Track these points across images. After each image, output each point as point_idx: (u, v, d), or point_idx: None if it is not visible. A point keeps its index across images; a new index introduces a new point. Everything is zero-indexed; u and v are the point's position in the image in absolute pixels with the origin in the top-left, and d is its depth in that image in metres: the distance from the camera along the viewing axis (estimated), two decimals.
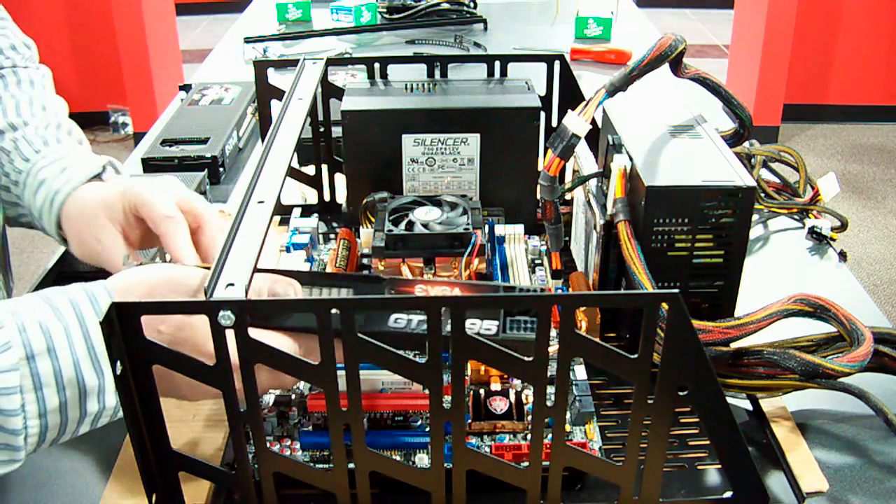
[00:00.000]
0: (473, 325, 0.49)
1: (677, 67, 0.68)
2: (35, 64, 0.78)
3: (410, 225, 0.66)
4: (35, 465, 0.56)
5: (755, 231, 0.86)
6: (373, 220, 0.71)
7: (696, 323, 0.57)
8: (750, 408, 0.61)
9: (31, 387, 0.46)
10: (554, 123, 0.82)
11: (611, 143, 0.66)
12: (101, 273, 0.57)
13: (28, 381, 0.45)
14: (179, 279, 0.51)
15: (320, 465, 0.53)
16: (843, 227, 0.86)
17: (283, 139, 0.59)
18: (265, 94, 0.79)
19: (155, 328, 0.47)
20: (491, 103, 0.73)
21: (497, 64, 0.80)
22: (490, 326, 0.50)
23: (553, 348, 0.43)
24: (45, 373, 0.46)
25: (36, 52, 0.78)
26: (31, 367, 0.46)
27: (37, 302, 0.48)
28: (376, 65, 0.79)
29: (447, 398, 0.44)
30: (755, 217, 0.88)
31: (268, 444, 0.47)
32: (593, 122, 0.69)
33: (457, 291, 0.52)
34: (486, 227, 0.69)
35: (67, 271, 0.77)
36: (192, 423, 0.58)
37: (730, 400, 0.60)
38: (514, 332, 0.49)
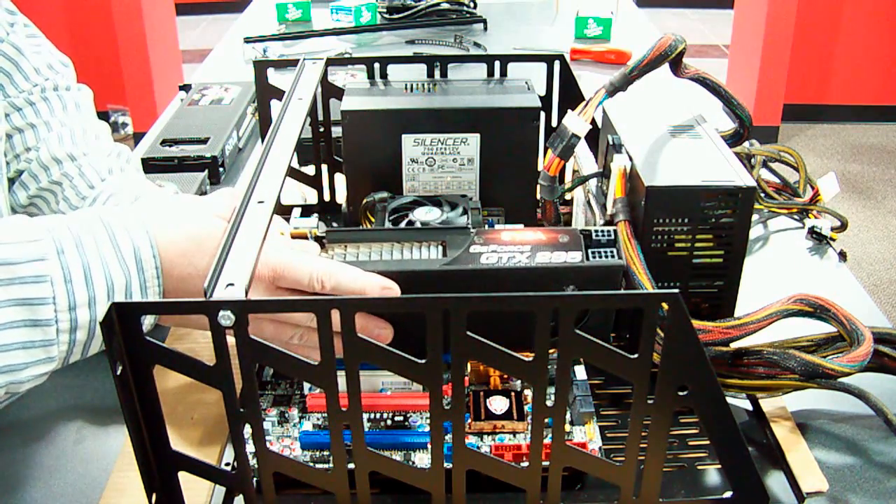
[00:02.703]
0: (559, 255, 0.54)
1: (677, 67, 0.68)
2: (75, 84, 0.78)
3: (410, 225, 0.66)
4: (35, 464, 0.56)
5: (755, 231, 0.86)
6: (373, 219, 0.71)
7: (696, 323, 0.57)
8: (750, 408, 0.61)
9: (60, 279, 0.48)
10: (554, 123, 0.82)
11: (611, 143, 0.66)
12: None
13: (58, 273, 0.48)
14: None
15: (320, 465, 0.53)
16: (843, 227, 0.86)
17: (283, 139, 0.59)
18: (265, 94, 0.79)
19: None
20: (491, 103, 0.73)
21: (497, 64, 0.80)
22: (575, 256, 0.54)
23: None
24: (74, 266, 0.49)
25: (73, 70, 0.78)
26: (61, 261, 0.48)
27: (65, 216, 0.52)
28: (376, 65, 0.78)
29: (447, 398, 0.44)
30: (755, 217, 0.88)
31: (268, 444, 0.47)
32: (593, 122, 0.69)
33: (539, 235, 0.56)
34: (486, 227, 0.69)
35: None
36: (192, 423, 0.58)
37: (730, 400, 0.60)
38: (598, 259, 0.54)
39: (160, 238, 0.53)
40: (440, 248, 0.55)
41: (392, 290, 0.53)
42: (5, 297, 0.47)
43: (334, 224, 0.83)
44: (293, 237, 0.58)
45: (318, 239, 0.56)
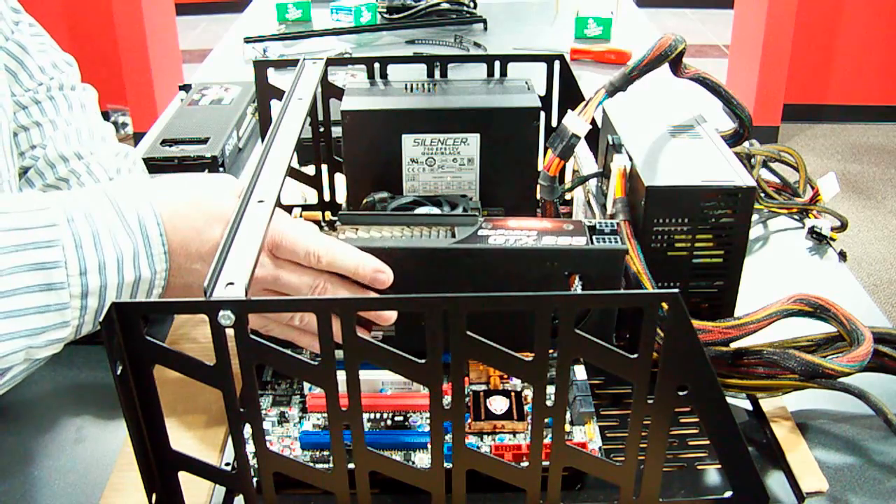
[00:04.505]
0: (564, 240, 0.55)
1: (677, 67, 0.68)
2: (80, 84, 0.78)
3: None
4: (35, 464, 0.56)
5: (755, 231, 0.86)
6: None
7: (696, 323, 0.57)
8: (750, 408, 0.61)
9: (71, 244, 0.50)
10: (554, 123, 0.82)
11: (611, 143, 0.66)
12: None
13: (69, 239, 0.49)
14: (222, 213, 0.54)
15: (320, 465, 0.53)
16: (843, 227, 0.86)
17: (283, 139, 0.59)
18: (265, 94, 0.79)
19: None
20: (491, 103, 0.73)
21: (497, 64, 0.80)
22: (580, 241, 0.55)
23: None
24: (84, 233, 0.50)
25: (77, 69, 0.79)
26: (71, 228, 0.50)
27: (72, 192, 0.53)
28: (376, 65, 0.78)
29: (447, 398, 0.44)
30: (755, 217, 0.87)
31: (268, 444, 0.47)
32: (593, 122, 0.69)
33: (545, 223, 0.57)
34: None
35: None
36: (192, 423, 0.58)
37: (730, 400, 0.60)
38: (602, 244, 0.55)
39: (163, 207, 0.53)
40: (449, 232, 0.56)
41: (385, 272, 0.54)
42: (22, 262, 0.48)
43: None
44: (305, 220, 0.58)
45: (329, 223, 0.57)
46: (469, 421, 0.54)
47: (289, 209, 0.78)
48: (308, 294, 0.54)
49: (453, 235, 0.56)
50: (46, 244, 0.49)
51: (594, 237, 0.56)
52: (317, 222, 0.58)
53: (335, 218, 0.57)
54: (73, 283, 0.49)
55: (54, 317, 0.49)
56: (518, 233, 0.56)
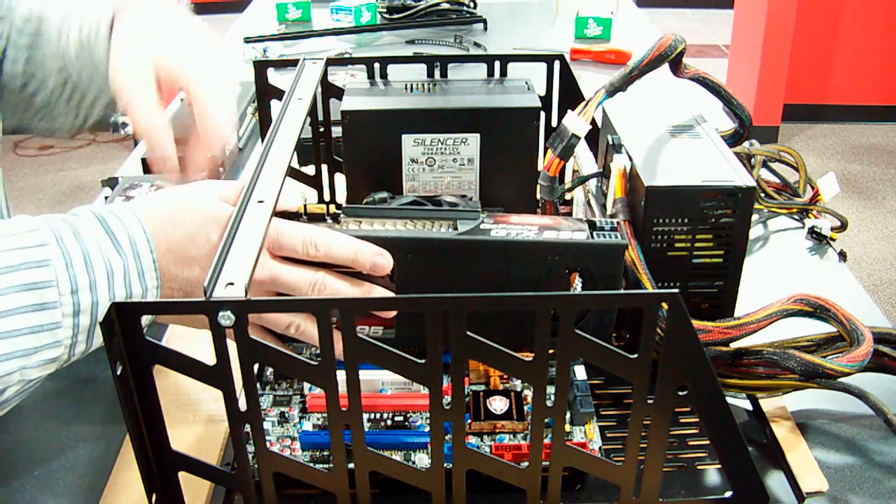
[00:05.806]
0: (565, 234, 0.55)
1: (677, 67, 0.68)
2: None
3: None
4: (35, 463, 0.56)
5: (755, 231, 0.86)
6: None
7: (695, 323, 0.57)
8: (750, 408, 0.61)
9: (62, 264, 0.49)
10: (554, 123, 0.81)
11: (610, 143, 0.66)
12: None
13: (59, 258, 0.50)
14: (208, 212, 0.54)
15: (320, 465, 0.52)
16: (843, 227, 0.86)
17: (283, 139, 0.59)
18: (265, 94, 0.79)
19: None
20: (491, 103, 0.73)
21: (497, 64, 0.80)
22: (580, 235, 0.55)
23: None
24: (74, 252, 0.50)
25: None
26: (61, 247, 0.50)
27: (60, 215, 0.54)
28: (376, 65, 0.78)
29: (447, 398, 0.44)
30: (755, 217, 0.87)
31: (268, 444, 0.47)
32: (593, 122, 0.69)
33: (546, 220, 0.57)
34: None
35: None
36: (192, 423, 0.58)
37: (730, 400, 0.60)
38: (602, 238, 0.55)
39: (150, 220, 0.53)
40: (451, 226, 0.57)
41: (383, 255, 0.54)
42: (14, 283, 0.48)
43: None
44: (309, 214, 0.58)
45: (333, 216, 0.57)
46: (469, 421, 0.54)
47: (296, 216, 0.78)
48: (308, 292, 0.54)
49: (455, 229, 0.56)
50: (38, 264, 0.49)
51: (594, 233, 0.56)
52: (321, 215, 0.58)
53: (339, 211, 0.57)
54: (65, 302, 0.49)
55: (47, 336, 0.49)
56: (519, 227, 0.56)
